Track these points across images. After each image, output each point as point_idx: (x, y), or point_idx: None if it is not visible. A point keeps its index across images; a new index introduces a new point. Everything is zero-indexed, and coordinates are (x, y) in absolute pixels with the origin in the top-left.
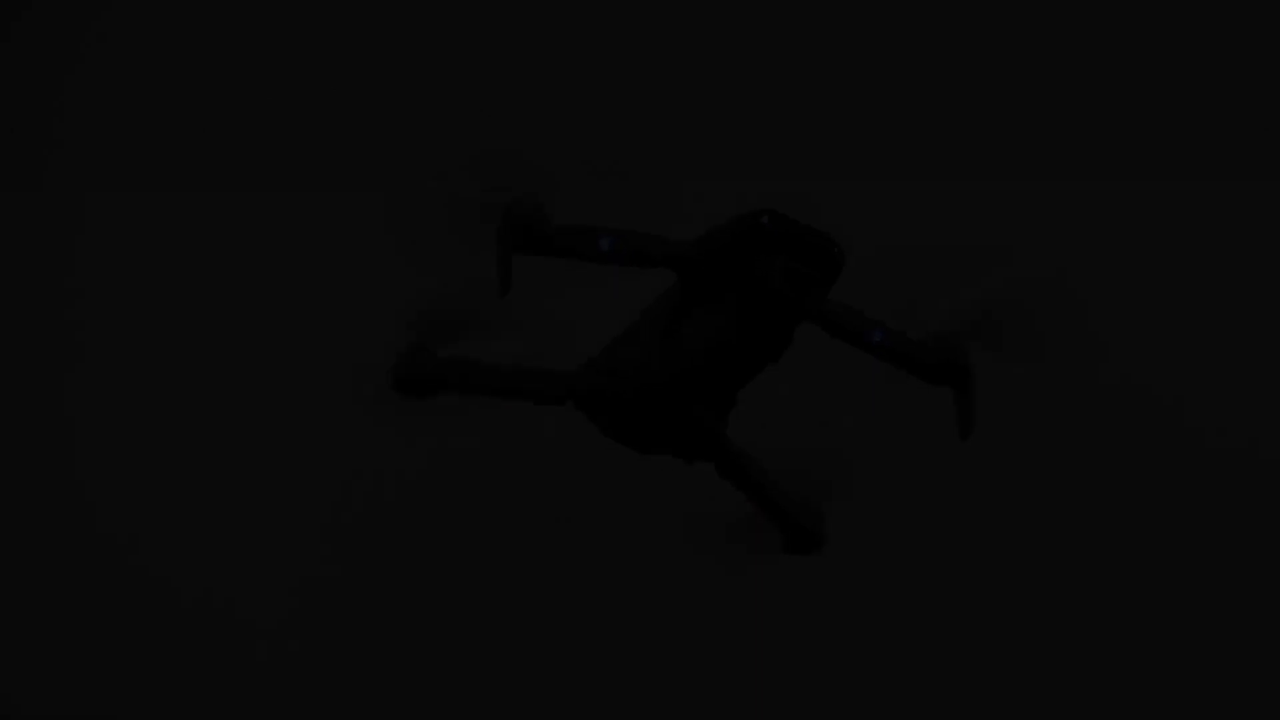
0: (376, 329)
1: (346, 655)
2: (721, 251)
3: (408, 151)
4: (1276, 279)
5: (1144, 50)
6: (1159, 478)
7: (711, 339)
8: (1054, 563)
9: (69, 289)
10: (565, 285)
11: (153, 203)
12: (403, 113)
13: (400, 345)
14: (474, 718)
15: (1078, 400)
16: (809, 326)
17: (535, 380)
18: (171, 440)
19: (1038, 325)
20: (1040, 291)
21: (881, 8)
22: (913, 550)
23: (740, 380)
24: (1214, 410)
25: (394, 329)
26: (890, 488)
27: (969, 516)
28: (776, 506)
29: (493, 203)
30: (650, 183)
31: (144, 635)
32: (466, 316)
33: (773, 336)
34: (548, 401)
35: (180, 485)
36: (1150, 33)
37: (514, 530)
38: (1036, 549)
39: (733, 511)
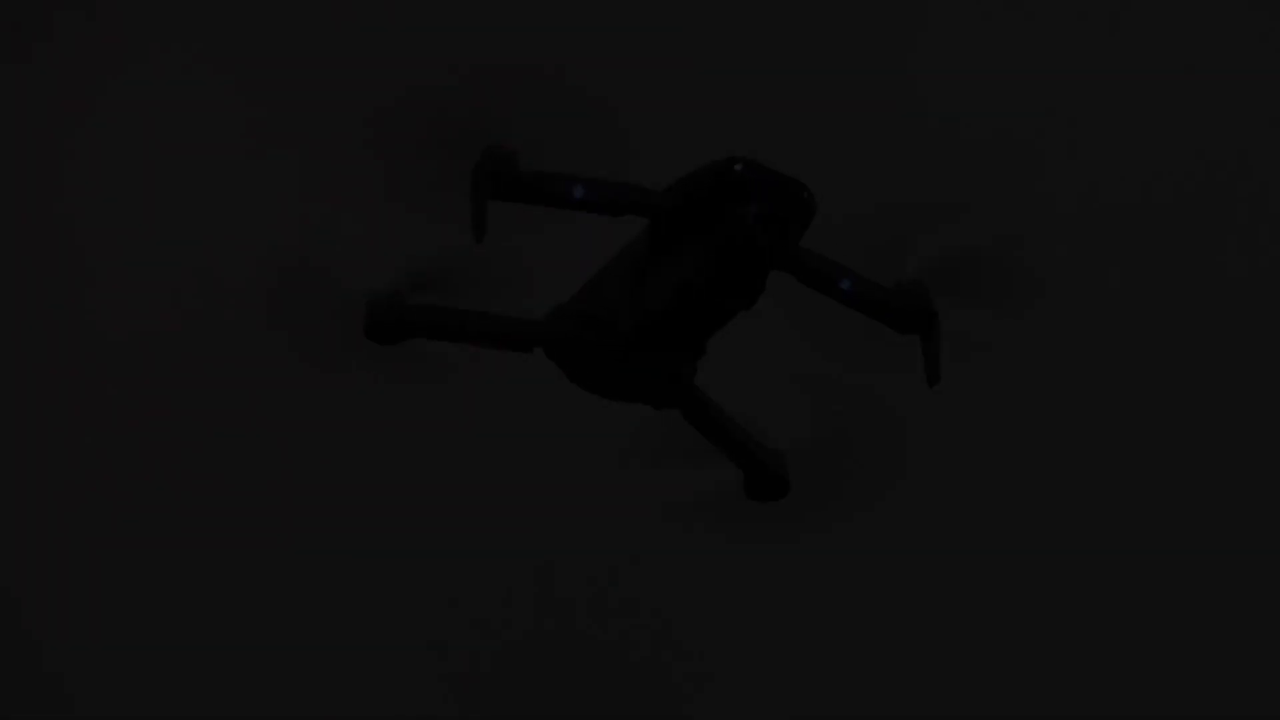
0: (347, 274)
1: (309, 593)
2: (694, 199)
3: (381, 96)
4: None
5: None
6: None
7: (682, 286)
8: (1027, 518)
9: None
10: (537, 232)
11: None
12: (377, 57)
13: (372, 291)
14: (432, 669)
15: (1045, 350)
16: (777, 274)
17: (504, 327)
18: (133, 377)
19: (1005, 277)
20: (1005, 245)
21: None
22: (880, 496)
23: (711, 328)
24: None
25: (365, 274)
26: (857, 434)
27: (936, 464)
28: (743, 450)
29: (466, 149)
30: (622, 130)
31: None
32: (439, 262)
33: (745, 284)
34: (516, 348)
35: (142, 424)
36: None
37: (480, 475)
38: (1009, 500)
39: (699, 458)
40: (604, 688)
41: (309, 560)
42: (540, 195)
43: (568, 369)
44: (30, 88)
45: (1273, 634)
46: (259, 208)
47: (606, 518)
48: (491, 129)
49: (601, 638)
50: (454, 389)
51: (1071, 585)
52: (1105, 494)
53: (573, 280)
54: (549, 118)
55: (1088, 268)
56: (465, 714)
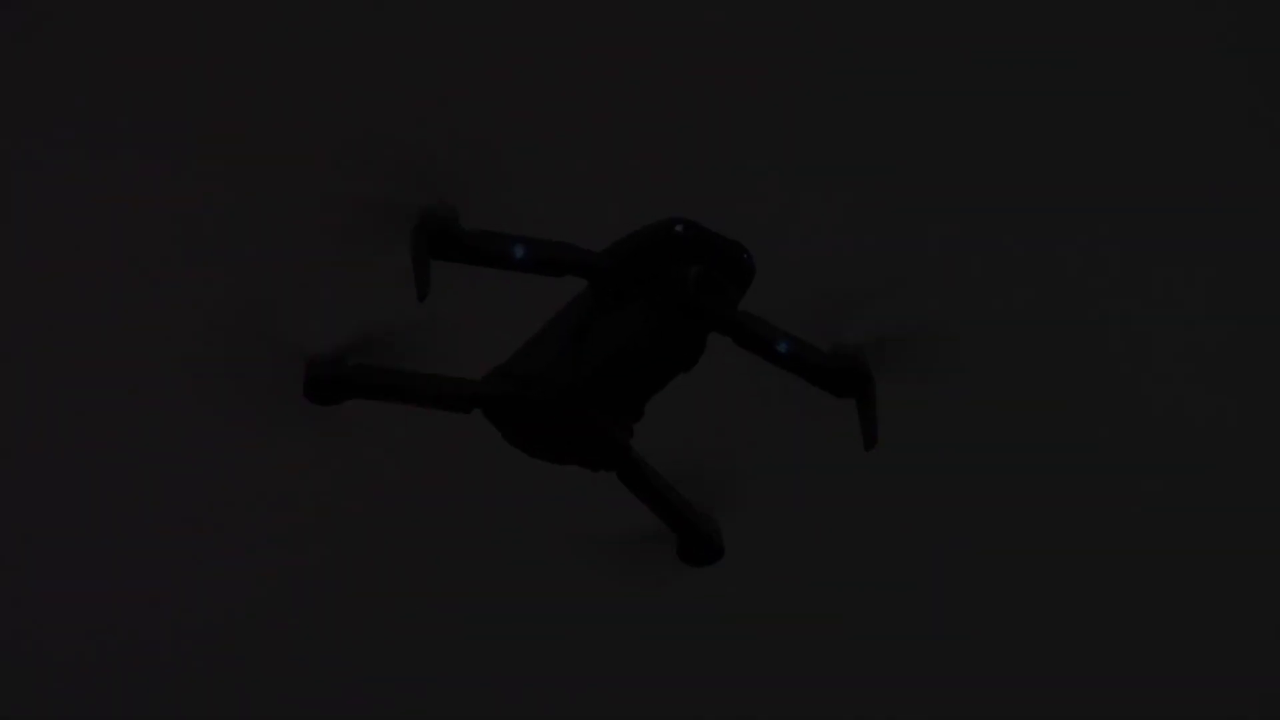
0: (290, 332)
1: (252, 655)
2: (634, 259)
3: (324, 155)
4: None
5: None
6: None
7: (620, 347)
8: (955, 573)
9: None
10: (478, 292)
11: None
12: (316, 117)
13: (312, 349)
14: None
15: (981, 412)
16: (715, 337)
17: (443, 387)
18: (74, 442)
19: (932, 347)
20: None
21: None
22: (811, 561)
23: (649, 389)
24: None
25: (307, 333)
26: (793, 500)
27: (870, 529)
28: (679, 516)
29: (408, 208)
30: (564, 191)
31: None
32: (379, 321)
33: (684, 345)
34: (455, 409)
35: (83, 487)
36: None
37: (416, 537)
38: (936, 559)
39: (634, 521)
40: None
41: (246, 615)
42: (481, 255)
43: (505, 430)
44: None
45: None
46: (198, 268)
47: (540, 579)
48: (433, 189)
49: (534, 697)
50: (392, 449)
51: (1010, 646)
52: (1040, 558)
53: (512, 340)
54: (491, 177)
55: (1017, 333)
56: None
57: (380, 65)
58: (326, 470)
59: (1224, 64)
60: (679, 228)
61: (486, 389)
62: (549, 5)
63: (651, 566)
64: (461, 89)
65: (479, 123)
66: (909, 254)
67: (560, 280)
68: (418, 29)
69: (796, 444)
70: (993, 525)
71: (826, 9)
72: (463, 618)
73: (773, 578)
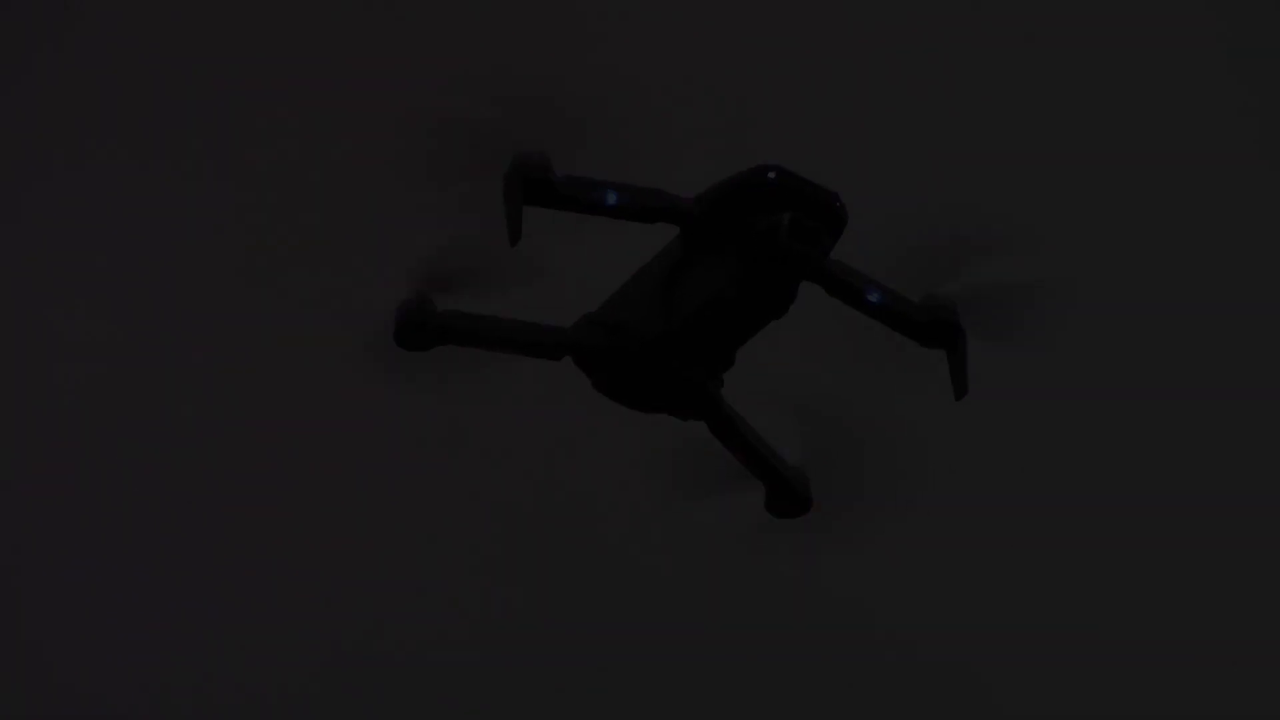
0: (377, 278)
1: (340, 599)
2: (726, 206)
3: (411, 97)
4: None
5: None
6: (1147, 452)
7: (712, 295)
8: (1046, 538)
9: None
10: (568, 238)
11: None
12: (406, 57)
13: (402, 295)
14: (448, 669)
15: (1073, 362)
16: (804, 285)
17: (533, 334)
18: (155, 394)
19: (1030, 307)
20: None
21: None
22: (903, 515)
23: (740, 337)
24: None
25: (395, 278)
26: (880, 448)
27: (960, 480)
28: (766, 465)
29: (499, 152)
30: (654, 137)
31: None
32: (469, 267)
33: (775, 293)
34: (546, 355)
35: (167, 441)
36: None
37: (505, 484)
38: (1029, 520)
39: (721, 471)
40: (613, 710)
41: (323, 568)
42: (572, 201)
43: (595, 377)
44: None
45: None
46: (288, 208)
47: (628, 528)
48: (522, 133)
49: (616, 647)
50: (482, 395)
51: (1095, 603)
52: (1129, 510)
53: (604, 287)
54: (579, 122)
55: (1116, 279)
56: None
57: (474, 13)
58: (415, 414)
59: None
60: (771, 174)
61: (578, 336)
62: None
63: (737, 513)
64: (552, 31)
65: (568, 63)
66: (1001, 209)
67: (652, 227)
68: None
69: (885, 394)
70: (1094, 476)
71: None
72: (544, 559)
73: (859, 527)
